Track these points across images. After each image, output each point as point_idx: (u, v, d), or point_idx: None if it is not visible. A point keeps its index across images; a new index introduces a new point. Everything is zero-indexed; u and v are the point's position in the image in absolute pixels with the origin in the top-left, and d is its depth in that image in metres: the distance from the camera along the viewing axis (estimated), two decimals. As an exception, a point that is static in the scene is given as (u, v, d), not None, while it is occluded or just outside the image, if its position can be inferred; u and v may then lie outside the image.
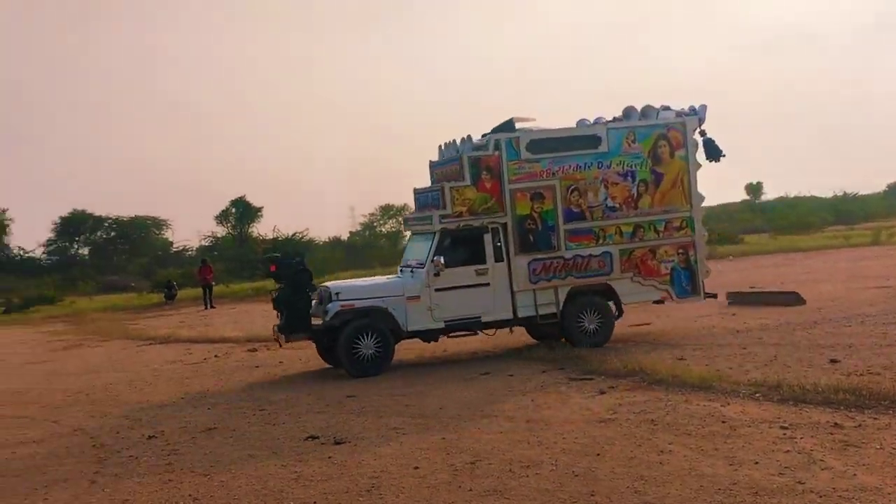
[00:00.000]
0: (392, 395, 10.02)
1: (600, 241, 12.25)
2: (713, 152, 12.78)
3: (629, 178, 12.37)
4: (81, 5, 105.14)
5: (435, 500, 5.85)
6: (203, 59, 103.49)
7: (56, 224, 58.20)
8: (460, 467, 6.58)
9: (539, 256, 12.04)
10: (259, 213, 54.13)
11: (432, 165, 13.43)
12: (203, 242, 56.52)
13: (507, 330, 12.63)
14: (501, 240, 12.02)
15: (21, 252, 57.68)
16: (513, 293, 11.99)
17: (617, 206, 12.36)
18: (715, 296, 13.45)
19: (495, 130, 12.42)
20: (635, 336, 13.12)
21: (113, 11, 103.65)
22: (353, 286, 12.72)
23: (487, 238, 11.96)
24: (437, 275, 11.72)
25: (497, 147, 12.02)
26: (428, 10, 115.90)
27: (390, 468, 6.71)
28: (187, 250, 56.67)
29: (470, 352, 12.92)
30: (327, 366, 12.39)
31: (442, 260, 11.68)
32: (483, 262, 11.96)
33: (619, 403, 8.47)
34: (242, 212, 55.55)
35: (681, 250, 12.56)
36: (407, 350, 12.81)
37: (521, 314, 12.09)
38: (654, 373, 9.55)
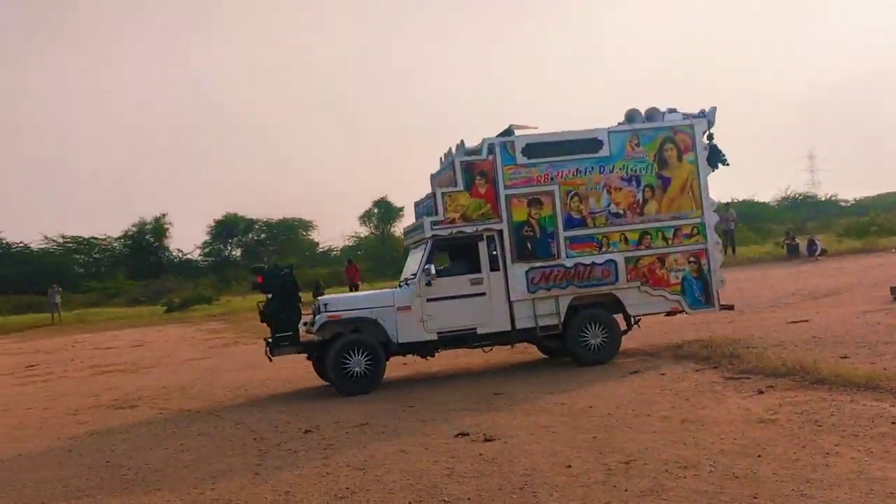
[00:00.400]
0: (541, 392, 9.96)
1: (604, 249, 11.80)
2: (714, 159, 12.29)
3: (633, 182, 11.92)
4: (214, 9, 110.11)
5: (590, 499, 5.76)
6: (347, 59, 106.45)
7: (211, 227, 61.25)
8: (614, 467, 6.46)
9: (537, 265, 11.61)
10: (400, 213, 55.28)
11: (432, 177, 12.90)
12: (347, 242, 58.23)
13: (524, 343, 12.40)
14: (497, 247, 11.61)
15: (180, 254, 61.03)
16: (510, 303, 11.56)
17: (621, 212, 11.90)
18: (731, 307, 12.61)
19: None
20: (793, 333, 12.52)
21: (255, 13, 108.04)
22: (342, 298, 12.58)
23: (482, 246, 11.58)
24: (428, 284, 11.36)
25: (491, 151, 11.65)
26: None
27: (542, 466, 6.67)
28: (332, 250, 58.51)
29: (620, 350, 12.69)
30: (475, 363, 12.44)
31: (433, 269, 11.35)
32: (478, 270, 11.58)
33: (779, 403, 8.12)
34: (384, 212, 56.88)
35: (692, 259, 12.01)
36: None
37: (519, 325, 11.61)
38: (815, 371, 9.08)
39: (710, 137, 12.24)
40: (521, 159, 11.67)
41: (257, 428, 9.44)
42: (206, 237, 61.55)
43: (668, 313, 12.40)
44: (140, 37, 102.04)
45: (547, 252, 11.66)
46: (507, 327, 11.59)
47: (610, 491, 5.89)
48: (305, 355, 11.88)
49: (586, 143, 11.87)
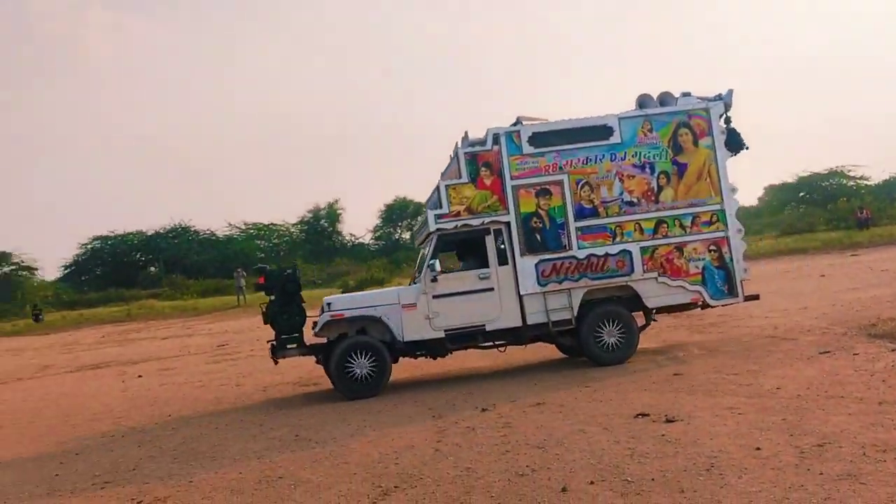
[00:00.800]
0: (722, 374, 9.64)
1: (617, 239, 11.38)
2: (735, 144, 11.69)
3: (647, 169, 11.50)
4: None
5: (781, 482, 5.51)
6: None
7: (381, 211, 63.06)
8: (807, 450, 6.14)
9: (548, 257, 11.26)
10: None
11: (442, 174, 12.37)
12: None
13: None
14: (505, 241, 11.30)
15: (352, 238, 63.20)
16: (520, 298, 11.21)
17: (635, 200, 11.48)
18: (757, 297, 11.77)
19: None
20: None
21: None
22: (347, 297, 12.43)
23: (489, 239, 11.27)
24: (434, 280, 11.08)
25: (496, 142, 11.36)
26: None
27: (729, 448, 6.44)
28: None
29: (805, 329, 12.08)
30: (648, 346, 12.18)
31: (437, 264, 11.00)
32: (485, 265, 11.27)
33: None
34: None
35: (712, 247, 11.48)
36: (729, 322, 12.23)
37: (530, 321, 11.23)
38: None
39: (728, 121, 11.71)
40: (527, 149, 11.39)
41: (435, 405, 9.64)
42: (377, 221, 63.49)
43: (687, 306, 11.78)
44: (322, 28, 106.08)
45: (557, 244, 11.35)
46: (518, 323, 11.26)
47: (803, 474, 5.61)
48: (314, 358, 11.63)
49: (596, 131, 11.52)
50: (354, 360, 10.90)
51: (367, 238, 63.63)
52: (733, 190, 11.65)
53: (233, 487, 6.99)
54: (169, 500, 6.88)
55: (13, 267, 55.32)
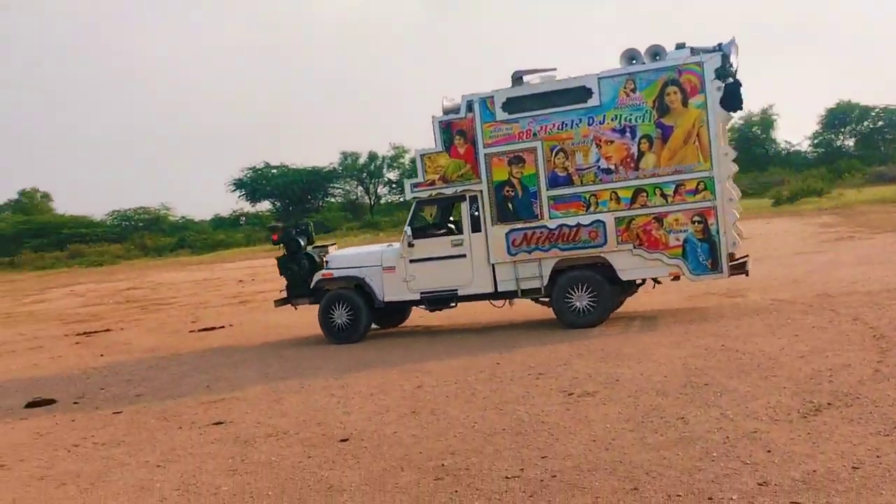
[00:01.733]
0: None
1: (591, 209, 10.78)
2: (733, 102, 10.27)
3: (627, 134, 10.59)
4: None
5: None
6: None
7: (822, 116, 58.25)
8: None
9: (519, 226, 11.04)
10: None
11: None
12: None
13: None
14: (479, 209, 11.11)
15: (788, 146, 59.35)
16: (492, 266, 11.11)
17: (612, 167, 10.70)
18: (744, 271, 10.68)
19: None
20: None
21: None
22: (342, 255, 12.56)
23: (463, 207, 11.29)
24: (410, 245, 11.43)
25: (470, 109, 11.04)
26: None
27: None
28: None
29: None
30: None
31: (408, 230, 11.42)
32: (459, 232, 11.38)
33: None
34: None
35: (696, 218, 10.43)
36: None
37: (501, 288, 11.21)
38: None
39: (733, 75, 10.25)
40: (501, 115, 10.97)
41: (877, 325, 8.89)
42: (817, 127, 58.88)
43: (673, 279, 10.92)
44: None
45: (529, 213, 11.02)
46: (490, 289, 11.30)
47: None
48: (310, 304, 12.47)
49: (573, 93, 10.74)
50: (335, 310, 11.92)
51: (804, 145, 59.43)
52: (727, 154, 10.41)
53: (657, 389, 7.17)
54: (597, 395, 7.27)
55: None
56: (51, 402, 9.59)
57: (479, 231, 11.32)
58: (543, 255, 11.06)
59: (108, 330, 16.55)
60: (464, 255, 11.41)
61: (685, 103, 10.42)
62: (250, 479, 6.09)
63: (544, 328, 11.07)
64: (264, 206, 69.71)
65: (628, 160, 10.70)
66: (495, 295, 11.45)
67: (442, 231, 12.00)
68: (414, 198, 11.66)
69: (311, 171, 66.81)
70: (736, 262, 10.74)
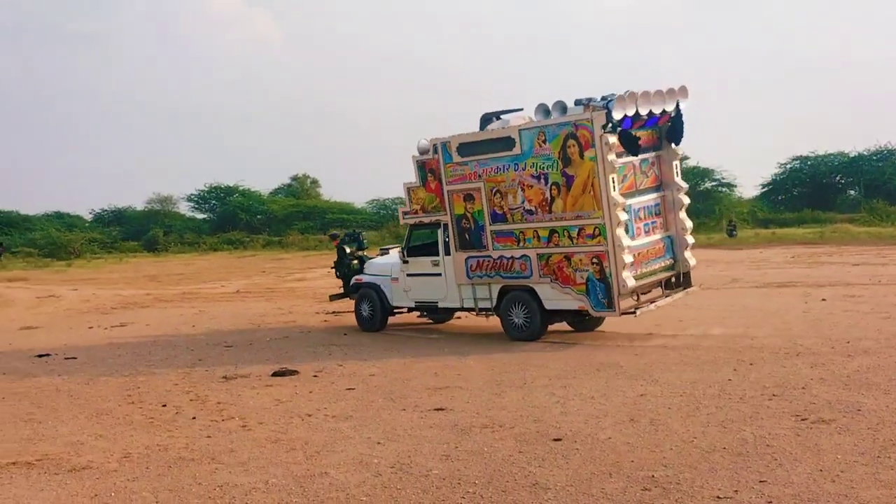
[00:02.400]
0: None
1: (520, 244, 12.06)
2: (674, 136, 11.98)
3: (542, 180, 11.68)
4: None
5: None
6: None
7: None
8: None
9: (474, 254, 12.47)
10: None
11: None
12: None
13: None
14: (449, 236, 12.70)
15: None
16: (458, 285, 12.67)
17: (533, 209, 11.87)
18: (633, 313, 11.38)
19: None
20: None
21: None
22: (375, 263, 14.81)
23: (439, 233, 12.94)
24: (405, 262, 13.50)
25: (436, 151, 12.55)
26: None
27: None
28: None
29: None
30: None
31: (404, 250, 13.70)
32: (437, 254, 13.00)
33: None
34: None
35: (594, 259, 11.32)
36: None
37: (465, 305, 12.80)
38: None
39: (615, 127, 10.98)
40: (456, 158, 12.42)
41: None
42: None
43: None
44: None
45: (480, 243, 12.43)
46: (458, 305, 12.98)
47: None
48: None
49: (503, 142, 11.97)
50: (362, 305, 14.32)
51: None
52: (617, 204, 11.05)
53: (905, 425, 6.50)
54: (832, 423, 6.74)
55: (714, 183, 58.61)
56: (294, 373, 10.34)
57: (450, 255, 12.93)
58: (491, 281, 12.46)
59: (352, 311, 17.56)
60: (440, 274, 13.12)
61: (581, 155, 11.27)
62: (461, 466, 6.23)
63: (786, 348, 10.37)
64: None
65: (544, 203, 11.80)
66: (462, 309, 13.13)
67: (423, 251, 13.66)
68: (404, 223, 13.70)
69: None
70: (637, 304, 11.61)
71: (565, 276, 11.67)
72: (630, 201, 11.50)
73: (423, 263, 13.42)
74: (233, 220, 67.19)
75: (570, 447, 6.54)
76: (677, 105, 11.83)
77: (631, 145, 11.28)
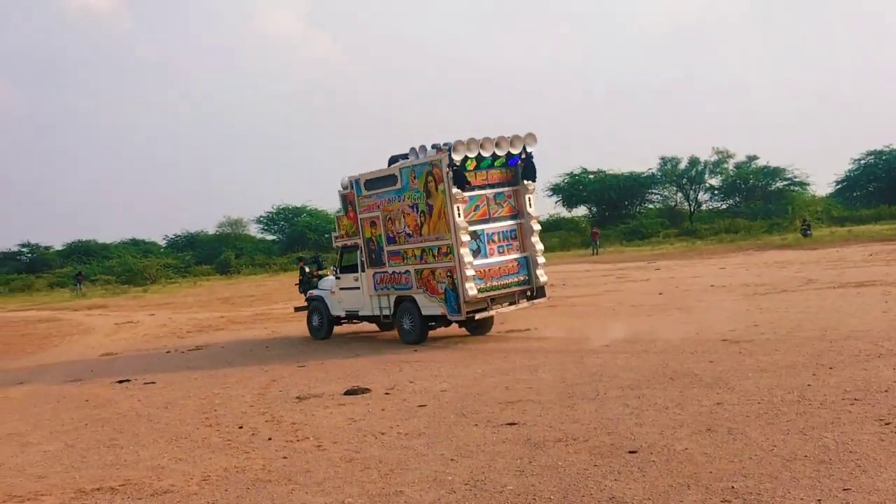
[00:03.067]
0: None
1: (405, 261, 14.71)
2: (528, 174, 14.44)
3: (415, 209, 14.29)
4: None
5: None
6: None
7: None
8: None
9: (377, 271, 15.29)
10: None
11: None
12: None
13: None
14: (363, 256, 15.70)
15: None
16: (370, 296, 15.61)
17: (411, 232, 14.50)
18: (472, 318, 14.11)
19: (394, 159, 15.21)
20: None
21: None
22: (325, 280, 17.55)
23: (358, 253, 15.82)
24: (337, 278, 16.44)
25: (352, 186, 15.53)
26: None
27: None
28: None
29: None
30: None
31: (336, 268, 16.75)
32: (357, 271, 15.87)
33: None
34: None
35: (449, 273, 13.81)
36: None
37: (375, 312, 15.62)
38: None
39: (454, 166, 13.53)
40: (364, 192, 15.16)
41: None
42: None
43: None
44: None
45: (381, 261, 15.11)
46: (371, 313, 15.65)
47: None
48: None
49: (390, 178, 14.68)
50: (313, 316, 17.19)
51: None
52: (461, 228, 13.53)
53: None
54: (921, 428, 6.49)
55: (786, 182, 57.34)
56: (366, 391, 10.41)
57: (364, 271, 15.66)
58: (388, 292, 15.15)
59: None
60: (359, 288, 15.86)
61: (437, 189, 13.86)
62: (535, 480, 6.19)
63: (867, 350, 10.06)
64: (580, 211, 70.26)
65: (417, 228, 14.40)
66: (375, 316, 15.77)
67: (351, 269, 16.16)
68: (336, 246, 16.64)
69: (629, 177, 66.23)
70: (476, 310, 13.94)
71: (432, 287, 14.25)
72: (483, 227, 14.12)
73: (348, 279, 16.16)
74: (301, 239, 68.20)
75: (646, 459, 6.44)
76: (524, 148, 14.36)
77: (460, 182, 13.67)
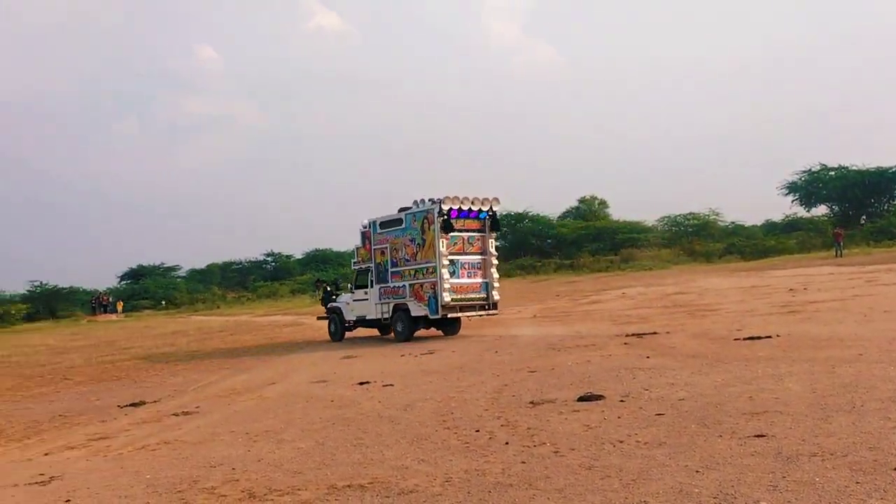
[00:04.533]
0: None
1: (403, 279, 21.71)
2: (496, 226, 22.02)
3: (413, 242, 21.44)
4: None
5: None
6: None
7: None
8: None
9: (383, 286, 22.35)
10: None
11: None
12: None
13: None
14: (373, 276, 22.91)
15: None
16: (375, 305, 22.79)
17: (409, 258, 21.57)
18: (446, 316, 21.19)
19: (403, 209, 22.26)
20: None
21: None
22: (342, 297, 24.83)
23: (370, 274, 22.91)
24: (352, 292, 24.03)
25: (369, 226, 22.93)
26: None
27: None
28: None
29: None
30: None
31: (351, 286, 24.41)
32: (367, 286, 23.07)
33: None
34: None
35: (432, 286, 20.77)
36: None
37: (377, 317, 22.63)
38: None
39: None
40: (378, 230, 22.66)
41: None
42: None
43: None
44: None
45: (386, 279, 22.34)
46: (376, 317, 22.77)
47: None
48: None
49: (398, 221, 22.06)
50: (331, 323, 24.52)
51: None
52: (442, 255, 20.57)
53: None
54: None
55: None
56: (600, 397, 10.25)
57: (373, 287, 22.62)
58: (390, 301, 22.00)
59: (654, 333, 17.16)
60: (367, 299, 22.86)
61: (430, 229, 20.74)
62: (791, 497, 5.81)
63: None
64: (820, 210, 66.08)
65: (413, 255, 21.31)
66: (378, 320, 22.62)
67: (363, 286, 23.22)
68: (353, 269, 23.99)
69: (875, 172, 61.30)
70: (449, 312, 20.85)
71: (420, 297, 21.07)
72: (458, 257, 20.92)
73: (360, 293, 23.26)
74: (524, 245, 68.77)
75: (917, 478, 5.86)
76: (491, 207, 21.42)
77: (447, 227, 20.66)
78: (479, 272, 21.21)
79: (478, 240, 21.26)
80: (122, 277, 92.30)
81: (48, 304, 73.23)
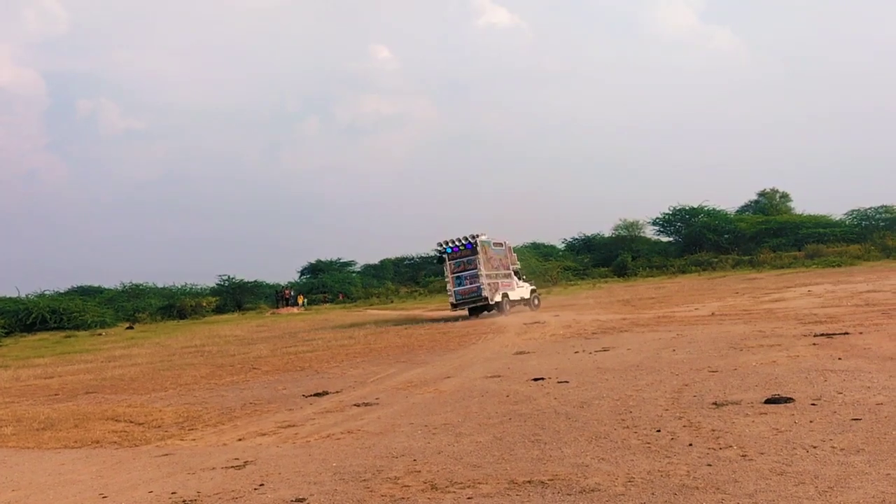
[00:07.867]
0: None
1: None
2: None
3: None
4: None
5: None
6: None
7: None
8: None
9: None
10: None
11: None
12: None
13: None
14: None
15: None
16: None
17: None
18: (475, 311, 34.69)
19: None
20: None
21: None
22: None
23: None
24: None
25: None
26: None
27: None
28: None
29: None
30: None
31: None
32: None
33: None
34: None
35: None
36: None
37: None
38: None
39: (474, 243, 34.08)
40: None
41: None
42: None
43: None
44: None
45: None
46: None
47: None
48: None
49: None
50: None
51: None
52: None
53: None
54: None
55: None
56: (789, 400, 9.78)
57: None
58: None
59: (846, 333, 16.18)
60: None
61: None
62: None
63: None
64: None
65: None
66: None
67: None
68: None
69: None
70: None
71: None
72: (462, 273, 34.07)
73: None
74: (699, 240, 66.66)
75: None
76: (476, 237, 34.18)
77: (452, 256, 34.54)
78: (474, 280, 33.73)
79: (472, 261, 33.73)
80: (302, 272, 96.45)
81: (235, 297, 77.63)
